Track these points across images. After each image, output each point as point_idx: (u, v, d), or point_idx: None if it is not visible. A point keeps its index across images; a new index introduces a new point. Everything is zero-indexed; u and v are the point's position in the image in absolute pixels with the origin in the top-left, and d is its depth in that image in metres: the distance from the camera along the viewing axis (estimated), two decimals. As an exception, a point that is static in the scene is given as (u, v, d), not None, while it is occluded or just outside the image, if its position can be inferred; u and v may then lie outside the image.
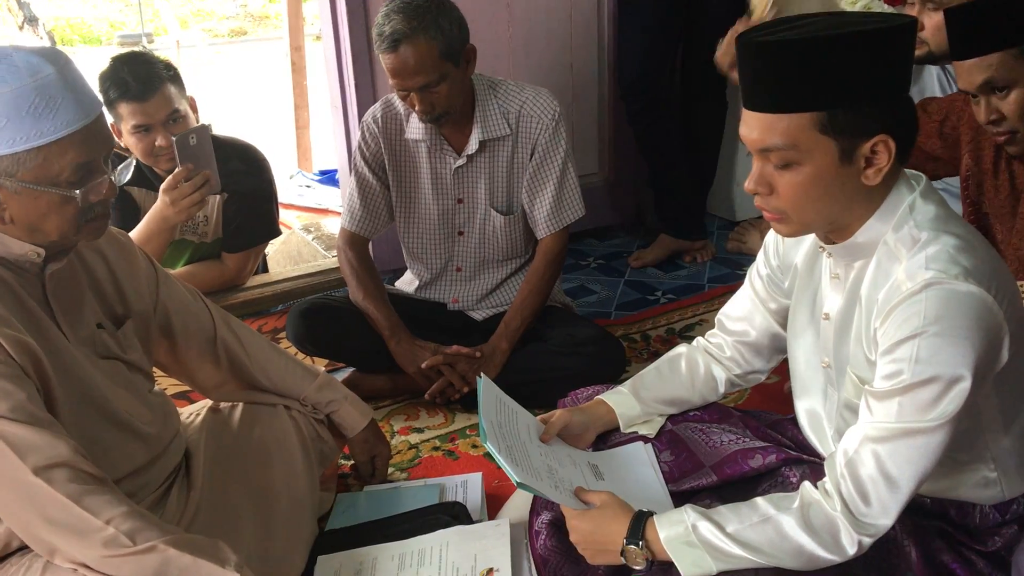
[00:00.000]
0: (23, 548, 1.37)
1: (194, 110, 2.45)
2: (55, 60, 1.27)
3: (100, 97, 1.35)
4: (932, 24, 2.07)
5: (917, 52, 2.13)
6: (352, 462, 1.94)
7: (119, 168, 1.36)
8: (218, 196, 2.52)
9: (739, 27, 2.15)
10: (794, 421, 1.53)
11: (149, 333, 1.62)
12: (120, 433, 1.46)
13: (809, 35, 1.13)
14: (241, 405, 1.78)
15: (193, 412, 1.81)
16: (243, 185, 2.53)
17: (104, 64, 2.37)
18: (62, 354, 1.37)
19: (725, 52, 2.23)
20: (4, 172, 1.25)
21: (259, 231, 2.70)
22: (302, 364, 1.85)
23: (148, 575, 1.26)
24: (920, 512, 1.32)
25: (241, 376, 1.76)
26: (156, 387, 1.64)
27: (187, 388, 1.94)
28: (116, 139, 2.41)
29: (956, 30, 1.61)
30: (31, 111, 1.22)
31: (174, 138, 2.21)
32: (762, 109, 1.18)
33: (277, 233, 2.85)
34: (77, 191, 1.28)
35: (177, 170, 2.23)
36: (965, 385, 1.12)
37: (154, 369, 1.66)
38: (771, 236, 1.50)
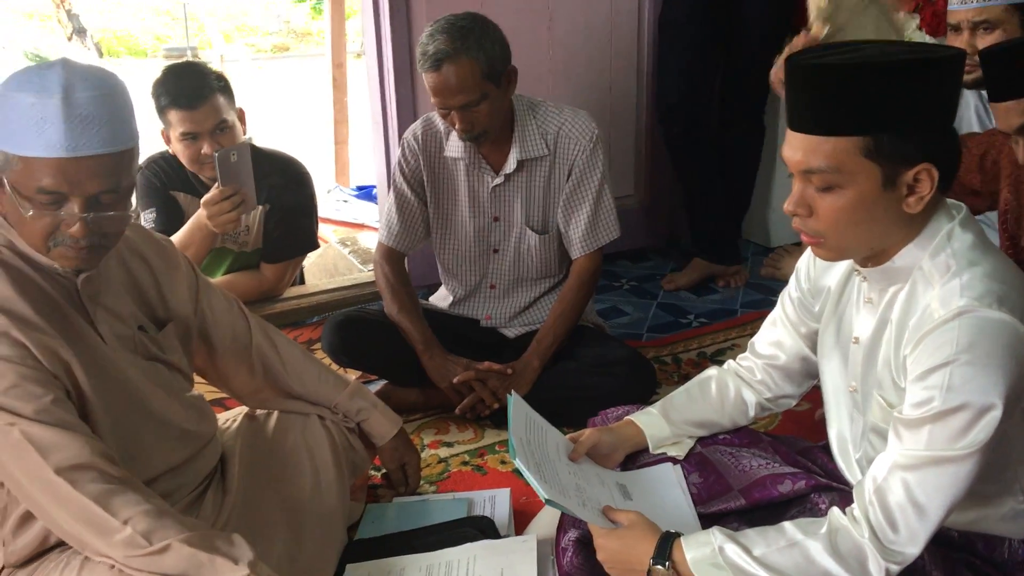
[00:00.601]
0: (61, 544, 1.41)
1: (242, 121, 2.51)
2: (69, 90, 1.26)
3: (132, 134, 1.34)
4: (987, 46, 2.08)
5: (974, 75, 2.14)
6: (383, 472, 1.96)
7: (104, 216, 1.33)
8: (260, 208, 2.57)
9: (798, 42, 2.15)
10: (824, 449, 1.54)
11: (190, 337, 1.66)
12: (157, 431, 1.50)
13: (858, 61, 1.15)
14: (276, 413, 1.82)
15: (229, 419, 1.85)
16: (284, 198, 2.58)
17: (151, 77, 2.45)
18: (97, 356, 1.40)
19: (780, 68, 2.23)
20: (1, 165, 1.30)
21: (298, 244, 2.75)
22: (334, 373, 1.88)
23: (168, 573, 1.29)
24: (948, 545, 1.32)
25: (275, 383, 1.79)
26: (194, 391, 1.68)
27: (223, 395, 1.98)
28: (166, 145, 2.48)
29: (992, 72, 1.61)
30: (24, 123, 1.25)
31: (216, 154, 2.27)
32: (808, 131, 1.20)
33: (315, 246, 2.90)
34: (31, 212, 1.30)
35: (218, 189, 2.29)
36: (996, 414, 1.12)
37: (193, 375, 1.70)
38: (804, 260, 1.51)
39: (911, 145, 1.16)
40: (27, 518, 1.40)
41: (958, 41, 2.16)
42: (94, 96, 1.27)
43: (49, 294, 1.37)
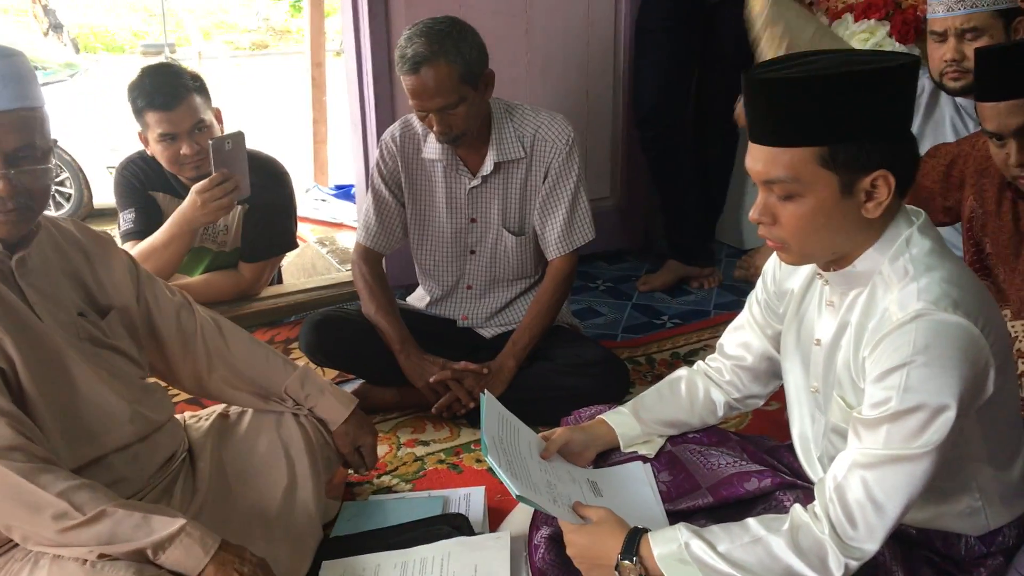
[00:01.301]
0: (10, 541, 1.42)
1: (219, 120, 2.52)
2: None
3: (34, 95, 1.40)
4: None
5: (961, 83, 2.19)
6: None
7: (20, 172, 1.41)
8: (239, 207, 2.58)
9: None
10: (790, 448, 1.57)
11: (135, 327, 1.67)
12: (100, 410, 1.51)
13: (812, 73, 1.18)
14: (250, 412, 1.83)
15: (203, 416, 1.86)
16: (263, 198, 2.59)
17: (128, 73, 2.45)
18: (32, 334, 1.42)
19: (742, 112, 2.27)
20: None
21: (276, 243, 2.77)
22: (283, 357, 1.86)
23: (104, 539, 1.31)
24: (906, 542, 1.36)
25: (223, 369, 1.79)
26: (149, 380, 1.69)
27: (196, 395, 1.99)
28: (144, 147, 2.49)
29: (986, 72, 1.63)
30: None
31: (210, 142, 2.29)
32: (766, 142, 1.24)
33: (294, 246, 2.91)
34: None
35: (213, 174, 2.30)
36: (950, 415, 1.16)
37: (145, 363, 1.71)
38: (770, 263, 1.55)
39: (866, 153, 1.19)
40: None
41: (943, 49, 2.20)
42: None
43: None
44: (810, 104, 1.18)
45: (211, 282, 2.69)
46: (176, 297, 1.77)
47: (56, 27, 12.78)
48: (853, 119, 1.18)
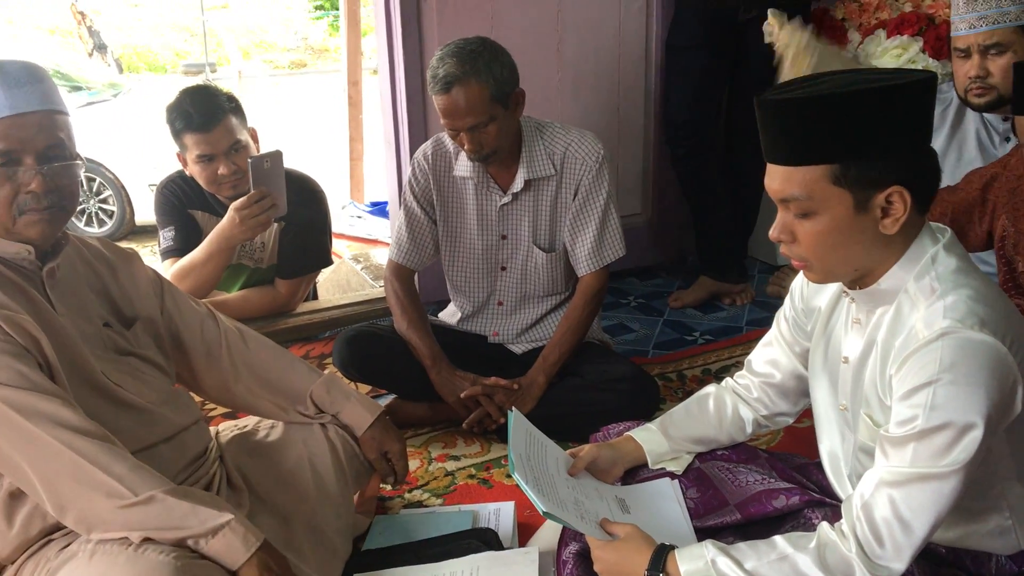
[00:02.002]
0: (45, 536, 1.46)
1: (255, 140, 2.58)
2: (12, 63, 1.43)
3: (45, 99, 1.47)
4: (999, 69, 2.12)
5: (985, 99, 2.18)
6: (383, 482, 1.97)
7: (50, 168, 1.49)
8: (276, 224, 2.63)
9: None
10: (819, 466, 1.57)
11: (161, 338, 1.71)
12: (127, 414, 1.54)
13: (819, 93, 1.19)
14: (280, 426, 1.84)
15: (231, 427, 1.88)
16: (299, 215, 2.64)
17: (169, 92, 2.52)
18: (62, 337, 1.47)
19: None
20: None
21: (312, 260, 2.81)
22: (306, 363, 1.87)
23: (152, 524, 1.34)
24: (936, 561, 1.35)
25: (248, 376, 1.80)
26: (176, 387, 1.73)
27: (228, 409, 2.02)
28: (183, 167, 2.55)
29: (1022, 85, 1.63)
30: None
31: (249, 160, 2.34)
32: (779, 162, 1.25)
33: (329, 263, 2.95)
34: None
35: (252, 192, 2.35)
36: (977, 433, 1.15)
37: (172, 372, 1.73)
38: (797, 281, 1.56)
39: (878, 169, 1.20)
40: (16, 498, 1.44)
41: (967, 66, 2.19)
42: (23, 66, 1.44)
43: (15, 281, 1.45)
44: (818, 123, 1.19)
45: (248, 298, 2.73)
46: (200, 308, 1.81)
47: (100, 47, 13.09)
48: (862, 137, 1.19)
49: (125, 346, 1.60)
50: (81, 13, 12.64)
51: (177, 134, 2.46)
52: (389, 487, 1.99)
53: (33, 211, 1.45)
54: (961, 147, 2.37)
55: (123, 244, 1.97)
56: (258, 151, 2.56)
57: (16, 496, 1.44)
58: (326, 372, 1.89)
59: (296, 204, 2.61)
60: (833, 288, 1.46)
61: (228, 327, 1.82)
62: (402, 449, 1.88)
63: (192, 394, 1.82)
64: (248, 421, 1.91)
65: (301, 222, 2.67)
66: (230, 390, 1.81)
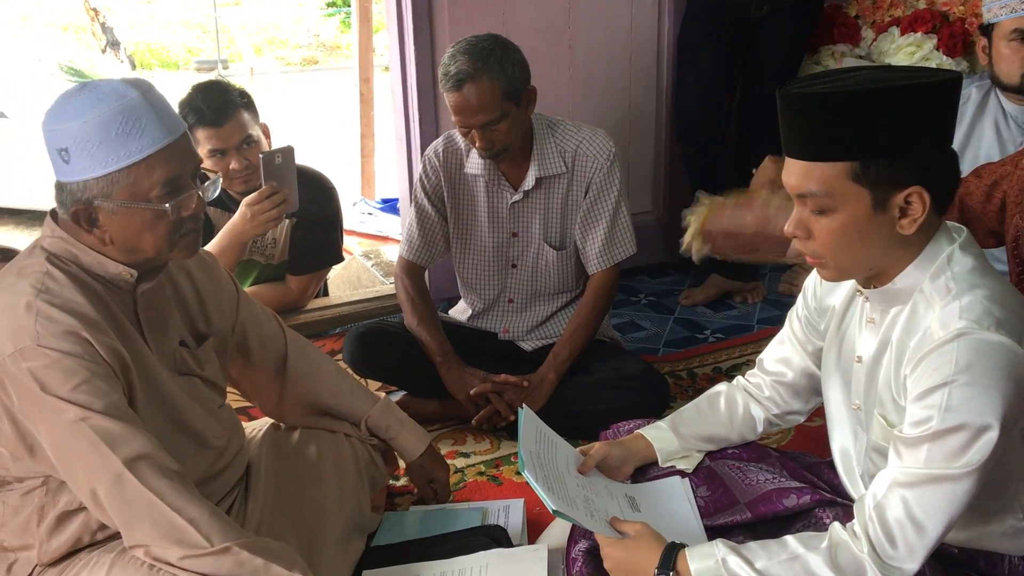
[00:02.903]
0: (92, 545, 1.46)
1: (267, 136, 2.58)
2: (138, 85, 1.38)
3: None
4: None
5: None
6: (405, 480, 1.98)
7: (206, 184, 1.46)
8: (287, 220, 2.64)
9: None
10: (831, 465, 1.56)
11: (226, 350, 1.70)
12: (192, 444, 1.54)
13: (844, 88, 1.18)
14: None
15: (255, 428, 1.89)
16: (311, 211, 2.64)
17: (182, 89, 2.52)
18: (147, 365, 1.46)
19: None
20: (100, 194, 1.35)
21: (323, 256, 2.82)
22: (365, 388, 1.90)
23: (223, 574, 1.32)
24: (949, 561, 1.34)
25: (307, 396, 1.81)
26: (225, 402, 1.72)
27: (247, 404, 2.03)
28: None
29: None
30: (120, 133, 1.33)
31: (261, 155, 2.34)
32: (799, 157, 1.24)
33: (340, 259, 2.96)
34: (167, 205, 1.38)
35: (263, 187, 2.36)
36: (992, 435, 1.15)
37: (226, 387, 1.74)
38: (810, 279, 1.55)
39: (899, 169, 1.19)
40: (64, 519, 1.44)
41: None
42: (151, 89, 1.40)
43: (109, 304, 1.42)
44: (842, 119, 1.18)
45: (259, 294, 2.74)
46: (272, 322, 1.79)
47: (113, 44, 13.11)
48: (885, 135, 1.18)
49: (193, 367, 1.58)
50: (94, 10, 12.67)
51: (189, 129, 2.46)
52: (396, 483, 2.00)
53: (192, 232, 1.44)
54: (979, 144, 2.35)
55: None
56: (270, 146, 2.56)
57: (69, 515, 1.43)
58: (382, 396, 1.90)
59: (308, 200, 2.61)
60: (847, 287, 1.45)
61: (292, 345, 1.80)
62: (447, 477, 1.95)
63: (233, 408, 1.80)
64: (265, 419, 1.91)
65: (313, 218, 2.67)
66: (285, 406, 1.82)
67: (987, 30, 2.31)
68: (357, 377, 2.41)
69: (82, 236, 1.40)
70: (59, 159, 1.35)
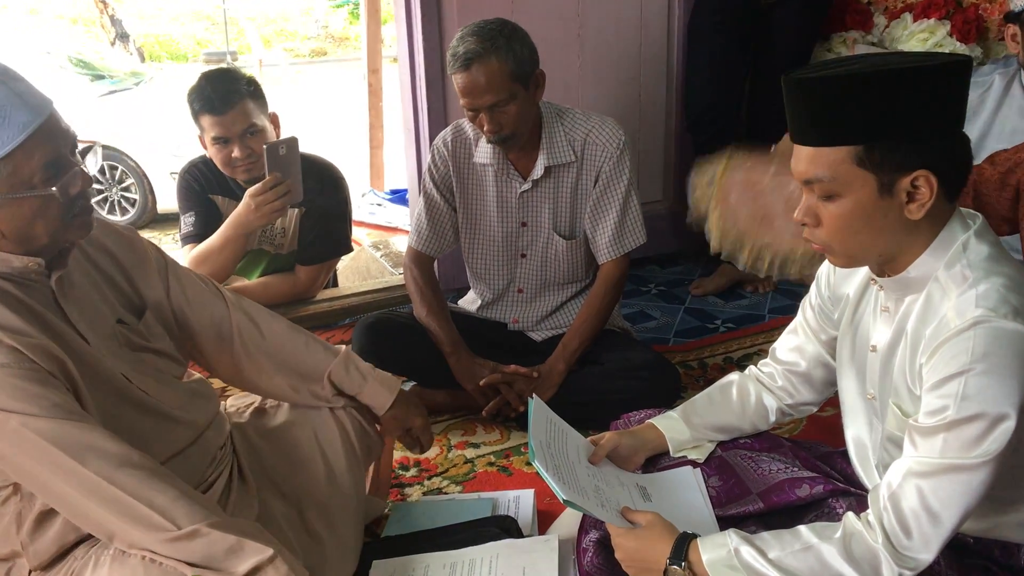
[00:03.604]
0: (81, 542, 1.44)
1: (276, 126, 2.57)
2: (4, 72, 1.32)
3: (45, 99, 1.37)
4: None
5: None
6: (415, 471, 1.97)
7: (86, 157, 1.41)
8: (296, 211, 2.63)
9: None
10: (844, 455, 1.55)
11: (169, 320, 1.65)
12: (156, 421, 1.51)
13: (845, 72, 1.17)
14: (286, 406, 1.80)
15: (240, 407, 1.85)
16: (320, 202, 2.64)
17: (191, 81, 2.53)
18: (83, 353, 1.41)
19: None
20: None
21: (332, 247, 2.81)
22: (323, 342, 1.80)
23: (197, 558, 1.31)
24: (964, 550, 1.33)
25: (261, 356, 1.73)
26: (194, 375, 1.69)
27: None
28: (204, 150, 2.55)
29: None
30: (1, 121, 1.28)
31: (265, 146, 2.34)
32: (805, 142, 1.23)
33: (349, 249, 2.95)
34: (54, 188, 1.33)
35: (267, 178, 2.35)
36: (1009, 424, 1.13)
37: (185, 361, 1.69)
38: (824, 268, 1.53)
39: (904, 153, 1.17)
40: (43, 519, 1.42)
41: None
42: (5, 74, 1.32)
43: (26, 302, 1.38)
44: (844, 103, 1.17)
45: (268, 285, 2.74)
46: (209, 287, 1.73)
47: (122, 36, 13.16)
48: (888, 119, 1.16)
49: (140, 342, 1.55)
50: (103, 2, 12.71)
51: (195, 115, 2.47)
52: (413, 454, 1.95)
53: (84, 211, 1.40)
54: (1002, 131, 2.32)
55: (145, 232, 1.93)
56: (278, 137, 2.55)
57: (47, 515, 1.42)
58: (343, 348, 1.82)
59: (317, 191, 2.61)
60: (861, 275, 1.43)
61: (235, 307, 1.74)
62: (425, 423, 1.84)
63: (206, 376, 1.77)
64: (252, 401, 1.86)
65: (321, 208, 2.66)
66: (241, 372, 1.75)
67: (1018, 17, 2.28)
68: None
69: None
70: None
